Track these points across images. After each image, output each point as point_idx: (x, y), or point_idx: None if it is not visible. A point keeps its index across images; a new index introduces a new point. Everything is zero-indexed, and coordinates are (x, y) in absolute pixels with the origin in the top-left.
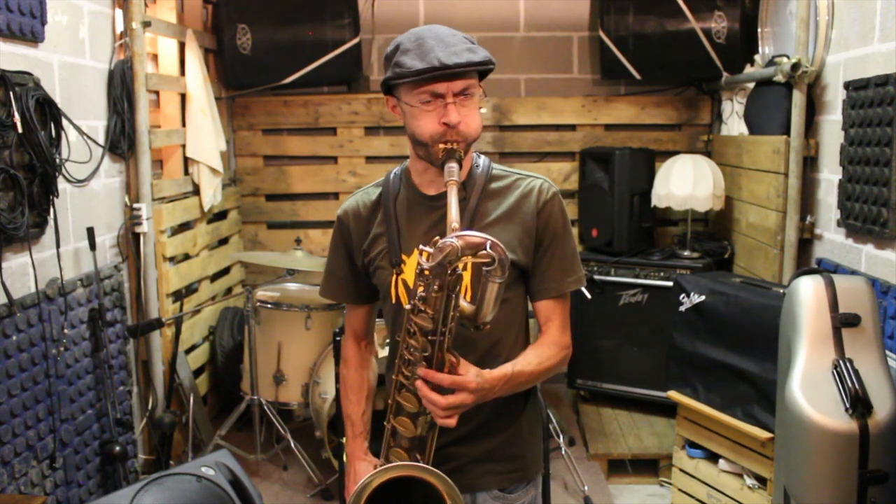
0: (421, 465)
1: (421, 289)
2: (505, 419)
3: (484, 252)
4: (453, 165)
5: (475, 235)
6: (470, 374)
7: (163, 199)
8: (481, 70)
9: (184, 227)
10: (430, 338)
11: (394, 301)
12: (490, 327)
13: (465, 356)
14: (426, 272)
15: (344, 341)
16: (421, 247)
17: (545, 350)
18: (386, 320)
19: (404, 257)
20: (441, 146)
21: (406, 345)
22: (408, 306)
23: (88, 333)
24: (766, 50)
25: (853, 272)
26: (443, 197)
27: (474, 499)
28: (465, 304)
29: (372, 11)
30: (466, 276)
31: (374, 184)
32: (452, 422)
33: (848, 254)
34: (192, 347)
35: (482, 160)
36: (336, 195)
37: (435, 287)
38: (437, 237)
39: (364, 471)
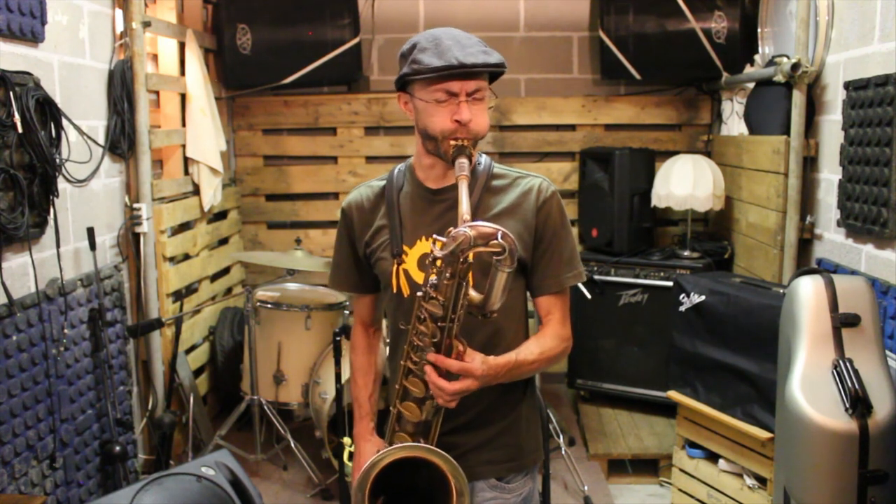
0: (426, 445)
1: (433, 276)
2: (504, 409)
3: (495, 242)
4: (464, 161)
5: (487, 226)
6: (476, 361)
7: (163, 199)
8: (492, 73)
9: (184, 227)
10: (439, 324)
11: (395, 291)
12: (497, 315)
13: (467, 344)
14: (438, 261)
15: (353, 328)
16: (434, 236)
17: (547, 341)
18: (387, 310)
19: (406, 248)
20: (451, 142)
21: (416, 330)
22: (419, 293)
23: (88, 333)
24: (766, 50)
25: (853, 272)
26: (446, 191)
27: (472, 488)
28: (473, 293)
29: (372, 11)
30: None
31: (379, 178)
32: (454, 404)
33: (848, 254)
34: (192, 347)
35: (484, 159)
36: (336, 195)
37: (447, 275)
38: (451, 228)
39: (369, 451)
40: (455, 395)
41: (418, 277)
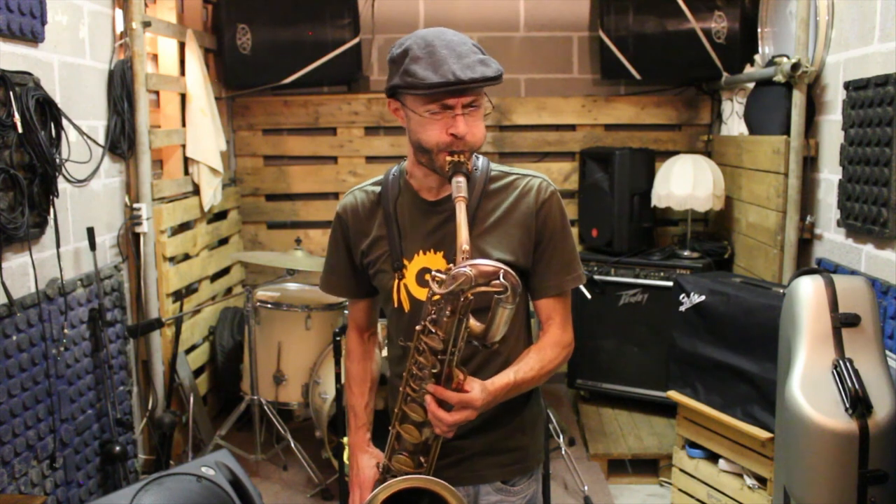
0: (426, 477)
1: (432, 312)
2: (508, 412)
3: (497, 282)
4: (461, 180)
5: (488, 265)
6: (475, 391)
7: (163, 199)
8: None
9: (184, 227)
10: (439, 357)
11: (396, 305)
12: (497, 346)
13: (467, 356)
14: (436, 296)
15: (347, 334)
16: (433, 272)
17: (547, 352)
18: (388, 323)
19: (406, 262)
20: (448, 158)
21: (415, 360)
22: (417, 327)
23: (88, 333)
24: (766, 50)
25: (853, 272)
26: (444, 202)
27: (477, 491)
28: (474, 324)
29: (372, 11)
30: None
31: (373, 182)
32: (451, 434)
33: (848, 254)
34: (192, 347)
35: (481, 160)
36: (336, 195)
37: (447, 312)
38: (451, 265)
39: (367, 463)
40: (453, 426)
41: (417, 292)
